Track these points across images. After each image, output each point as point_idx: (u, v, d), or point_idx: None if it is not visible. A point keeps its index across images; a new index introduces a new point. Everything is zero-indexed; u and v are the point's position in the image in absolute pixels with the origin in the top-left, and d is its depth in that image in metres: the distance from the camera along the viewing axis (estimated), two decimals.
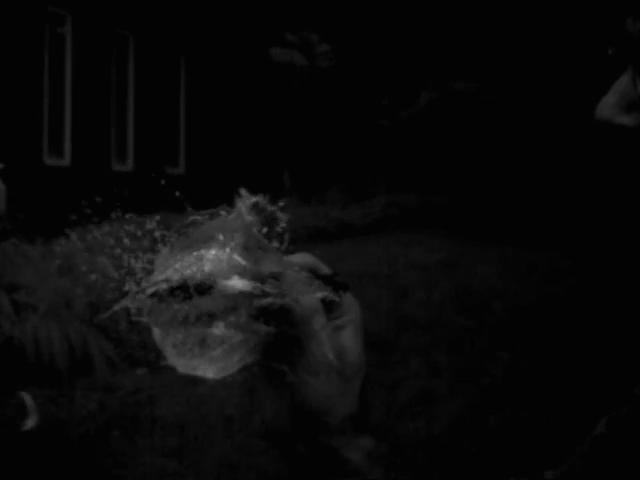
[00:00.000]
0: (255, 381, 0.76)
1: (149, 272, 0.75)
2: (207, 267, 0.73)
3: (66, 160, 13.52)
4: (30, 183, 11.77)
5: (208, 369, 0.74)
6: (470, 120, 16.71)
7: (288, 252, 0.78)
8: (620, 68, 0.74)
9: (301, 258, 0.80)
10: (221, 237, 0.75)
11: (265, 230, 0.76)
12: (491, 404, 5.59)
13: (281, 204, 0.77)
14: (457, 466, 4.66)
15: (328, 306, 0.78)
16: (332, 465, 0.77)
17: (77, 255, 6.86)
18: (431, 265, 10.22)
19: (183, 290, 0.73)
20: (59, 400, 5.65)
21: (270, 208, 0.77)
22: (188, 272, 0.73)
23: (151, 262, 0.76)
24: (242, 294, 0.73)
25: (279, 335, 0.75)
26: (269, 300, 0.74)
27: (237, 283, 0.73)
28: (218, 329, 0.73)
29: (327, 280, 0.80)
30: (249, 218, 0.75)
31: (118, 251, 0.81)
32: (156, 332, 0.75)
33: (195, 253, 0.74)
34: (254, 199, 0.76)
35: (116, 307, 0.74)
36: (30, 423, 4.68)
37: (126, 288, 0.75)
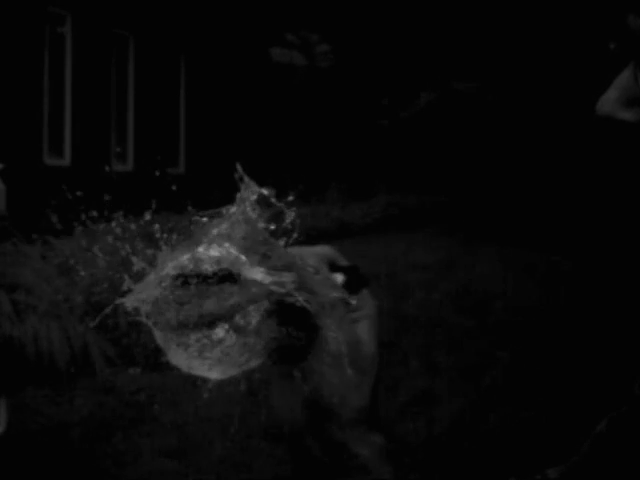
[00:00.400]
0: (262, 376, 0.76)
1: (149, 272, 0.75)
2: (213, 262, 0.72)
3: (66, 160, 13.52)
4: (30, 183, 11.78)
5: (212, 369, 0.74)
6: (470, 120, 16.72)
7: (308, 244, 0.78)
8: (621, 64, 0.74)
9: (322, 250, 0.80)
10: (224, 233, 0.74)
11: (271, 226, 0.76)
12: (491, 404, 5.59)
13: (291, 197, 0.76)
14: (457, 466, 4.66)
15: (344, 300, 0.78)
16: (341, 459, 0.77)
17: (77, 255, 6.85)
18: (431, 265, 10.22)
19: (205, 278, 0.72)
20: (59, 400, 5.65)
21: (276, 203, 0.76)
22: (210, 261, 0.72)
23: (151, 262, 0.75)
24: (262, 285, 0.72)
25: (292, 328, 0.74)
26: (288, 290, 0.73)
27: (259, 274, 0.73)
28: (221, 331, 0.72)
29: (348, 273, 0.79)
30: (253, 213, 0.75)
31: (118, 251, 0.80)
32: (158, 333, 0.74)
33: (198, 249, 0.73)
34: (257, 187, 0.75)
35: (115, 302, 0.74)
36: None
37: (125, 287, 0.74)
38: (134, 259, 0.76)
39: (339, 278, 0.79)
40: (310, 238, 0.79)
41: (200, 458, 4.76)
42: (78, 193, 5.31)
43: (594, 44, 10.43)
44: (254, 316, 0.73)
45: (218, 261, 0.72)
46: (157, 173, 8.21)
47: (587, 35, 11.92)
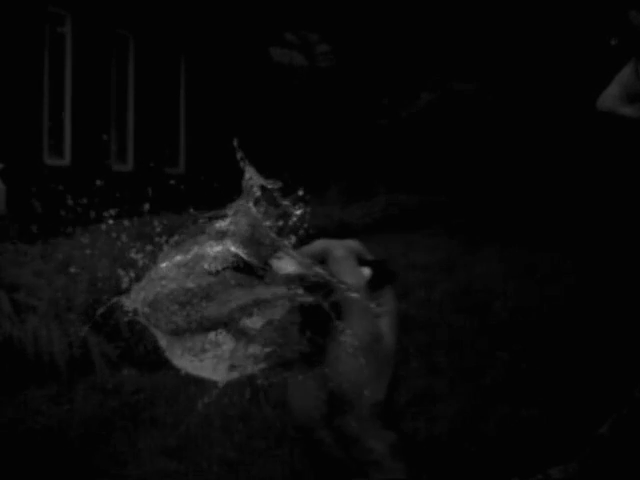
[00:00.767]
0: (262, 377, 0.75)
1: (149, 271, 0.74)
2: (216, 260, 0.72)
3: (66, 160, 13.52)
4: (30, 183, 11.77)
5: (214, 371, 0.73)
6: (470, 120, 16.71)
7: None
8: (623, 59, 0.74)
9: (351, 243, 0.82)
10: (227, 231, 0.73)
11: (277, 224, 0.75)
12: (491, 404, 5.59)
13: (300, 192, 0.76)
14: (458, 466, 4.66)
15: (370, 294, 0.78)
16: (355, 454, 0.76)
17: (77, 255, 6.86)
18: (431, 265, 10.22)
19: (234, 268, 0.71)
20: (59, 400, 5.65)
21: (281, 200, 0.75)
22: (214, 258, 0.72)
23: (152, 261, 0.75)
24: (290, 277, 0.72)
25: (313, 334, 0.74)
26: (318, 278, 0.73)
27: (289, 266, 0.72)
28: (223, 335, 0.72)
29: (376, 267, 0.79)
30: (256, 210, 0.74)
31: (118, 251, 0.80)
32: (158, 333, 0.74)
33: (200, 248, 0.73)
34: (260, 180, 0.74)
35: (112, 301, 0.74)
36: None
37: (125, 287, 0.74)
38: (134, 259, 0.75)
39: (366, 272, 0.79)
40: (310, 238, 0.78)
41: (200, 458, 4.76)
42: (78, 193, 5.30)
43: (595, 40, 10.43)
44: (266, 317, 0.72)
45: (223, 259, 0.71)
46: (157, 173, 8.21)
47: (588, 31, 11.92)
